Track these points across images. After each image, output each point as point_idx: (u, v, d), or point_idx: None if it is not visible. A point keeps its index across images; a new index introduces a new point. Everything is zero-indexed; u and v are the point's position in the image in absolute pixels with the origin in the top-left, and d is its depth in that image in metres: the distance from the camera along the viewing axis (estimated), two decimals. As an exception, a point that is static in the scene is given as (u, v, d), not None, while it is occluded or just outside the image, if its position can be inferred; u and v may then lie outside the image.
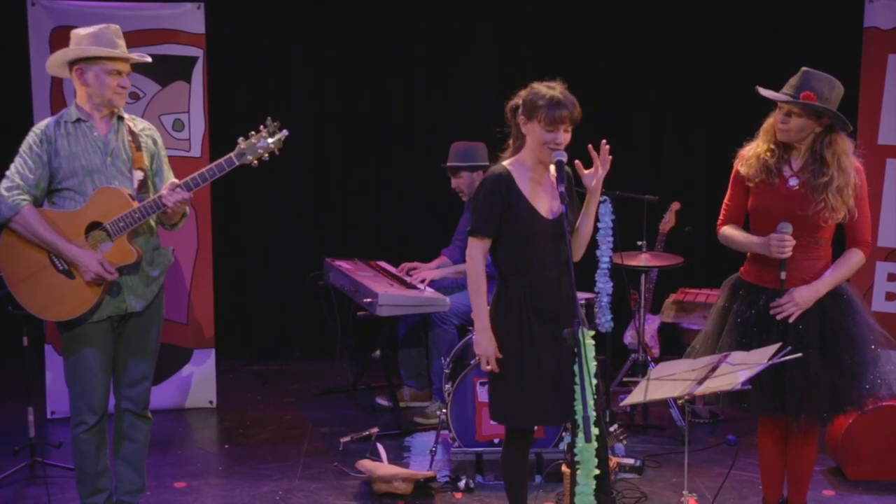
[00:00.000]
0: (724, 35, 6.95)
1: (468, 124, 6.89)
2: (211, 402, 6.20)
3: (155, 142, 4.26)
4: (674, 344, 6.29)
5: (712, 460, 5.28)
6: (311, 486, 4.97)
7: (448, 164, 5.98)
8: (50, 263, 4.05)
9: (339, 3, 7.04)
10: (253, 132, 4.14)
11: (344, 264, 6.15)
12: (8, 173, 4.06)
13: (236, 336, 7.19)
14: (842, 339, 3.95)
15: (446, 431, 5.07)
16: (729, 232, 4.14)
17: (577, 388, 3.51)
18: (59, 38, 5.52)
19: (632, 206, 5.74)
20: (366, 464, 4.95)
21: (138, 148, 4.16)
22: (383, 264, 6.34)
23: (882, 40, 5.66)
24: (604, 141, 3.80)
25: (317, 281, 6.43)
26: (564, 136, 3.76)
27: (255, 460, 5.33)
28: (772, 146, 4.01)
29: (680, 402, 3.86)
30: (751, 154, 4.05)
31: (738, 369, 3.63)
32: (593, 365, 3.79)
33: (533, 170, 3.86)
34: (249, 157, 4.12)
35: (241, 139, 4.13)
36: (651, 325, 6.30)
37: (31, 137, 4.09)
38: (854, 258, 4.00)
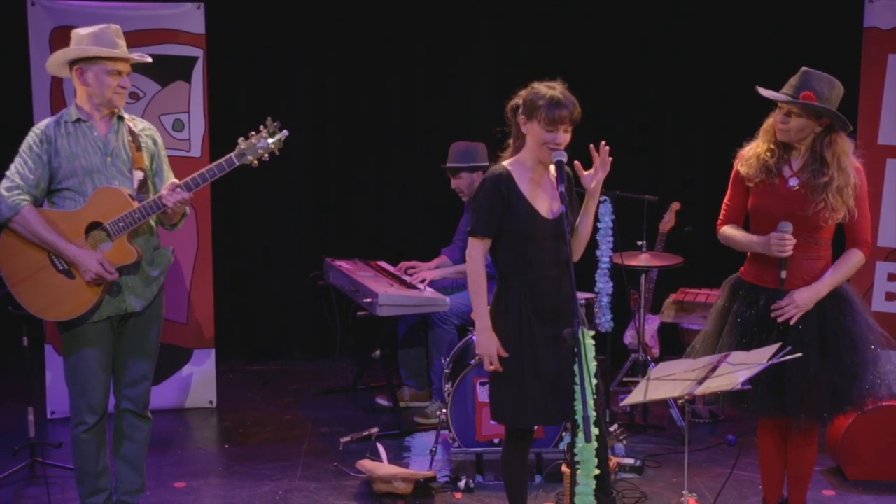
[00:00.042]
0: (724, 35, 6.95)
1: (468, 124, 6.89)
2: (211, 402, 6.20)
3: (155, 142, 4.26)
4: (674, 344, 6.29)
5: (712, 460, 5.28)
6: (311, 486, 4.97)
7: (448, 164, 5.98)
8: (50, 263, 4.05)
9: (339, 3, 7.04)
10: (253, 132, 4.14)
11: (344, 264, 6.15)
12: (8, 173, 4.06)
13: (236, 336, 7.19)
14: (842, 339, 3.95)
15: (446, 431, 5.07)
16: (729, 232, 4.14)
17: (577, 388, 3.51)
18: (59, 38, 5.52)
19: (632, 206, 5.74)
20: (366, 464, 4.95)
21: (138, 148, 4.16)
22: (383, 264, 6.34)
23: (882, 40, 5.66)
24: (603, 142, 3.80)
25: (317, 281, 6.43)
26: (564, 136, 3.76)
27: (255, 460, 5.34)
28: (772, 146, 4.01)
29: (680, 402, 3.86)
30: (751, 154, 4.05)
31: (737, 369, 3.63)
32: (593, 365, 3.78)
33: (533, 170, 3.86)
34: (249, 158, 4.12)
35: (241, 139, 4.13)
36: (651, 325, 6.30)
37: (31, 137, 4.09)
38: (854, 258, 4.00)
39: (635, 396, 3.58)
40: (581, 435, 3.62)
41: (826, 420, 4.08)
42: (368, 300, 5.52)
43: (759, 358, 3.65)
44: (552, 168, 3.83)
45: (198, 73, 5.95)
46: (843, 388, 3.94)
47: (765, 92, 3.97)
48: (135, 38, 5.23)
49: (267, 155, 4.14)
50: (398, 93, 7.20)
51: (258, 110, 5.07)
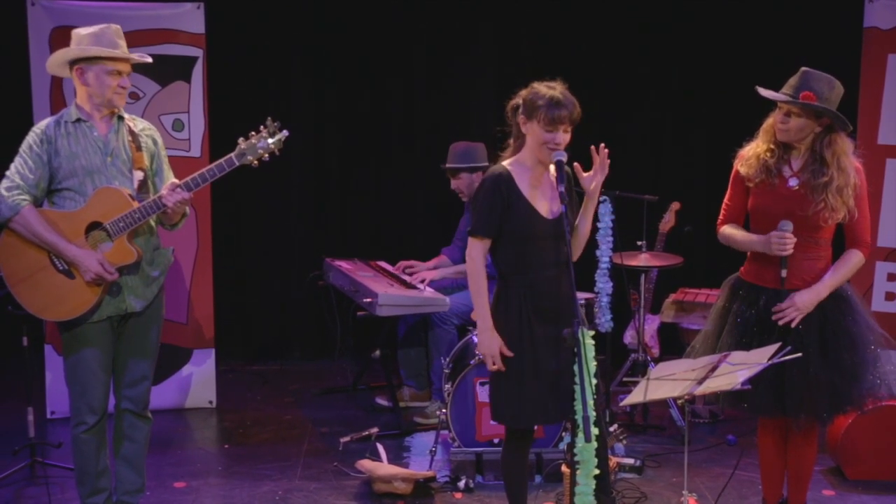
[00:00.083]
0: (724, 35, 6.95)
1: (468, 124, 6.90)
2: (211, 402, 6.20)
3: (155, 142, 4.26)
4: (674, 344, 6.28)
5: (712, 460, 5.28)
6: (310, 486, 4.97)
7: (447, 165, 5.98)
8: (50, 263, 4.05)
9: (339, 3, 7.04)
10: (253, 132, 4.14)
11: (344, 264, 6.15)
12: (8, 173, 4.06)
13: (236, 336, 7.19)
14: (842, 340, 3.96)
15: (446, 431, 5.07)
16: (729, 231, 4.14)
17: (577, 388, 3.51)
18: (59, 38, 5.52)
19: (632, 206, 5.74)
20: (366, 464, 4.95)
21: (138, 148, 4.16)
22: (383, 264, 6.34)
23: (882, 40, 5.66)
24: (602, 145, 3.81)
25: (317, 281, 6.43)
26: (564, 137, 3.76)
27: (255, 460, 5.33)
28: (772, 146, 4.01)
29: (680, 402, 3.86)
30: (751, 154, 4.05)
31: (737, 369, 3.63)
32: (593, 365, 3.79)
33: (533, 170, 3.86)
34: (250, 158, 4.12)
35: (241, 139, 4.13)
36: (651, 325, 6.30)
37: (31, 137, 4.09)
38: (853, 259, 4.00)
39: (635, 396, 3.58)
40: (581, 435, 3.62)
41: (826, 420, 4.08)
42: (368, 300, 5.52)
43: (759, 358, 3.65)
44: (552, 168, 3.83)
45: (198, 73, 5.95)
46: (843, 388, 3.94)
47: (764, 92, 3.97)
48: (135, 38, 5.23)
49: (267, 155, 4.14)
50: (398, 93, 7.20)
51: (258, 110, 5.06)
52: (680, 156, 7.21)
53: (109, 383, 4.19)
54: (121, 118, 4.17)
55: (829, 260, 4.03)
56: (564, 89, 3.79)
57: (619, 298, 5.54)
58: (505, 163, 3.89)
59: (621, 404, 4.03)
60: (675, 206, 6.18)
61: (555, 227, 3.79)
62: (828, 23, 6.62)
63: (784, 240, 3.89)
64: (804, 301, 3.92)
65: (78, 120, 4.09)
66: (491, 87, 6.92)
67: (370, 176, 7.30)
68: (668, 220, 6.13)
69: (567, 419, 3.81)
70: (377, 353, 5.90)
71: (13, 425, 5.59)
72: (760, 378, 3.78)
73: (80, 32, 4.10)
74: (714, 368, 3.59)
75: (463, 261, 5.36)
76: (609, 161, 3.81)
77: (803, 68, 3.96)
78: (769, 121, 4.04)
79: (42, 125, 4.11)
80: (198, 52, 5.94)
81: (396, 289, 5.65)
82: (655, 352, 6.31)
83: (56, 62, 4.13)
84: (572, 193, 3.92)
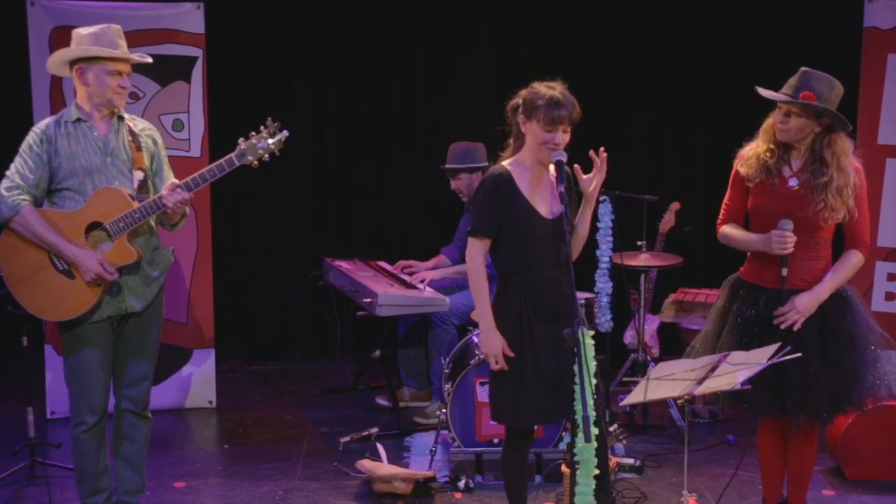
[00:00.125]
0: (724, 35, 6.95)
1: (468, 124, 6.90)
2: (211, 402, 6.20)
3: (155, 142, 4.26)
4: (673, 344, 6.28)
5: (712, 460, 5.29)
6: (310, 486, 4.97)
7: (447, 166, 5.98)
8: (50, 263, 4.05)
9: (339, 3, 7.04)
10: (253, 133, 4.14)
11: (344, 264, 6.15)
12: (8, 173, 4.06)
13: (236, 336, 7.19)
14: (842, 340, 3.96)
15: (446, 431, 5.07)
16: (728, 231, 4.14)
17: (577, 388, 3.51)
18: (59, 37, 5.52)
19: (632, 206, 5.74)
20: (365, 464, 4.95)
21: (138, 148, 4.16)
22: (383, 264, 6.34)
23: (882, 40, 5.66)
24: (602, 148, 3.81)
25: (317, 281, 6.43)
26: (563, 137, 3.76)
27: (255, 460, 5.34)
28: (771, 146, 4.01)
29: (680, 402, 3.86)
30: (750, 154, 4.05)
31: (737, 369, 3.63)
32: (593, 365, 3.78)
33: (532, 170, 3.86)
34: (250, 158, 4.12)
35: (241, 140, 4.13)
36: (651, 324, 6.30)
37: (31, 137, 4.09)
38: (853, 260, 4.00)
39: (635, 396, 3.58)
40: (581, 435, 3.62)
41: (826, 420, 4.08)
42: (368, 300, 5.52)
43: (758, 358, 3.65)
44: (552, 168, 3.83)
45: (197, 73, 5.95)
46: (842, 388, 3.94)
47: (764, 92, 3.97)
48: (135, 38, 5.22)
49: (267, 155, 4.14)
50: (398, 93, 7.20)
51: (258, 110, 5.06)
52: (680, 156, 7.21)
53: (109, 383, 4.19)
54: (121, 118, 4.17)
55: (829, 260, 4.03)
56: (564, 89, 3.78)
57: (619, 298, 5.54)
58: (505, 163, 3.89)
59: (621, 404, 4.04)
60: (675, 206, 6.18)
61: (555, 227, 3.79)
62: (828, 23, 6.62)
63: (784, 238, 3.89)
64: (805, 304, 3.92)
65: (78, 120, 4.09)
66: (491, 87, 6.92)
67: (370, 176, 7.30)
68: (668, 220, 6.13)
69: (567, 419, 3.81)
70: (377, 353, 5.90)
71: (13, 425, 5.59)
72: (760, 378, 3.78)
73: (81, 32, 4.10)
74: (714, 368, 3.60)
75: (462, 261, 5.37)
76: (606, 167, 3.82)
77: (803, 68, 3.96)
78: (769, 121, 4.04)
79: (42, 125, 4.11)
80: (198, 52, 5.94)
81: (396, 289, 5.65)
82: (655, 352, 6.31)
83: (56, 62, 4.13)
84: (572, 193, 3.92)
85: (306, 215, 7.25)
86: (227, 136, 4.57)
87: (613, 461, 4.82)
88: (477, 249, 3.86)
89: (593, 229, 4.23)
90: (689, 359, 3.64)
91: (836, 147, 3.92)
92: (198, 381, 6.18)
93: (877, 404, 4.37)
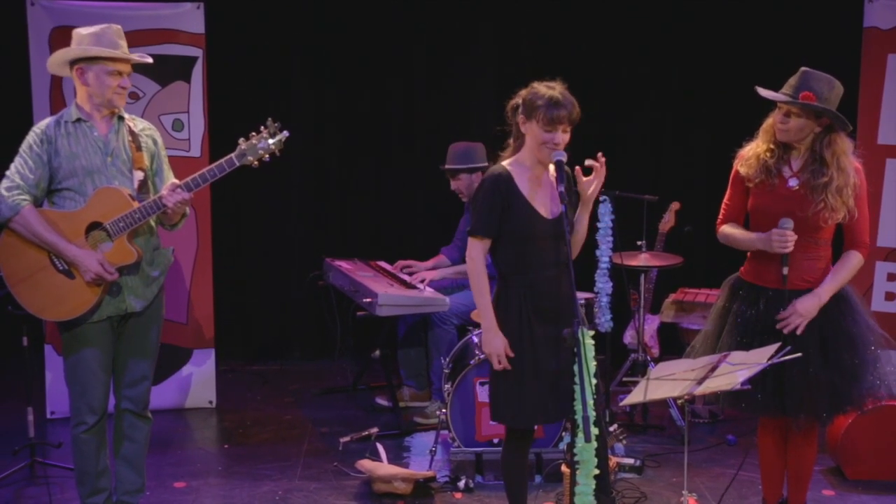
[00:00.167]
0: (724, 35, 6.95)
1: (468, 124, 6.90)
2: (211, 402, 6.20)
3: (155, 142, 4.26)
4: (673, 344, 6.28)
5: (712, 460, 5.29)
6: (310, 486, 4.97)
7: (446, 166, 5.98)
8: (50, 263, 4.05)
9: (339, 3, 7.04)
10: (254, 133, 4.14)
11: (344, 264, 6.15)
12: (8, 173, 4.06)
13: (236, 336, 7.19)
14: (842, 340, 3.96)
15: (446, 431, 5.07)
16: (728, 230, 4.14)
17: (577, 388, 3.51)
18: (59, 37, 5.52)
19: (632, 205, 5.74)
20: (365, 464, 4.95)
21: (138, 148, 4.16)
22: (383, 264, 6.34)
23: (882, 40, 5.66)
24: (600, 153, 3.81)
25: (317, 281, 6.43)
26: (563, 137, 3.76)
27: (255, 460, 5.34)
28: (771, 146, 4.01)
29: (680, 402, 3.86)
30: (750, 154, 4.05)
31: (737, 369, 3.63)
32: (593, 365, 3.79)
33: (532, 170, 3.86)
34: (250, 158, 4.12)
35: (241, 140, 4.13)
36: (651, 324, 6.30)
37: (31, 137, 4.09)
38: (853, 261, 4.00)
39: (635, 396, 3.58)
40: (581, 435, 3.62)
41: (826, 420, 4.08)
42: (368, 300, 5.52)
43: (758, 358, 3.66)
44: (551, 168, 3.83)
45: (197, 73, 5.95)
46: (842, 388, 3.94)
47: (764, 92, 3.97)
48: (135, 38, 5.22)
49: (267, 156, 4.14)
50: (398, 93, 7.20)
51: (258, 110, 5.06)
52: (680, 156, 7.21)
53: (109, 383, 4.19)
54: (121, 118, 4.17)
55: (829, 260, 4.03)
56: (564, 89, 3.79)
57: (618, 298, 5.54)
58: (504, 163, 3.89)
59: (621, 404, 4.04)
60: (675, 206, 6.18)
61: (554, 227, 3.80)
62: (828, 23, 6.62)
63: (785, 237, 3.89)
64: (806, 307, 3.92)
65: (78, 120, 4.09)
66: (491, 87, 6.92)
67: (370, 176, 7.30)
68: (667, 220, 6.13)
69: (567, 419, 3.82)
70: (377, 353, 5.90)
71: (13, 425, 5.59)
72: (760, 378, 3.78)
73: (81, 32, 4.10)
74: (714, 368, 3.60)
75: (462, 261, 5.36)
76: (606, 169, 3.83)
77: (803, 68, 3.96)
78: (769, 121, 4.04)
79: (42, 125, 4.11)
80: (198, 52, 5.94)
81: (396, 289, 5.65)
82: (655, 352, 6.31)
83: (56, 62, 4.13)
84: (572, 193, 3.92)
85: (306, 215, 7.25)
86: (227, 136, 4.58)
87: (613, 461, 4.82)
88: (477, 249, 3.86)
89: (593, 229, 4.23)
90: (689, 359, 3.64)
91: (836, 147, 3.92)
92: (198, 381, 6.18)
93: (877, 404, 4.37)
